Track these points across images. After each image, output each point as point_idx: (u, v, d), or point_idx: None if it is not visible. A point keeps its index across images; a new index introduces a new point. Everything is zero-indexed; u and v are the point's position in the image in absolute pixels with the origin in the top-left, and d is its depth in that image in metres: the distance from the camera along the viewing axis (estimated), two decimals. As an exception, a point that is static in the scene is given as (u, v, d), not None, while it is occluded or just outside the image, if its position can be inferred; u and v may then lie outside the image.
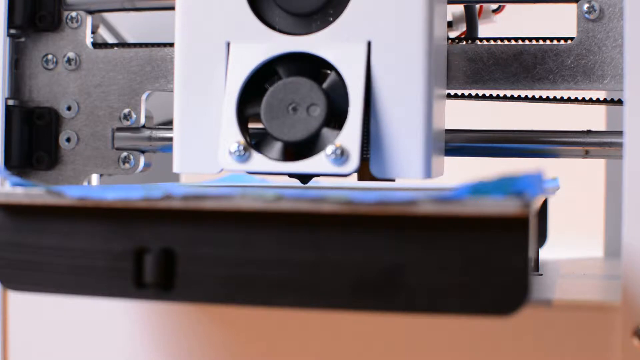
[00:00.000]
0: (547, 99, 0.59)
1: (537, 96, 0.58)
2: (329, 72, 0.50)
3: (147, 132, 0.61)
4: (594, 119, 0.70)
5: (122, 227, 0.42)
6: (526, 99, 0.58)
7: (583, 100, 0.59)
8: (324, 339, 0.49)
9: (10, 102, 0.61)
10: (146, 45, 0.61)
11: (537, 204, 0.46)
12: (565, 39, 0.56)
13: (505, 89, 0.57)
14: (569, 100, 0.59)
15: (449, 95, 0.57)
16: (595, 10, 0.55)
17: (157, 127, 0.62)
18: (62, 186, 0.47)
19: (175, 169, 0.52)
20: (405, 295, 0.39)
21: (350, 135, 0.48)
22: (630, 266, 0.47)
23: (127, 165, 0.62)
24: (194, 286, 0.41)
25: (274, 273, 0.40)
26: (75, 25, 0.62)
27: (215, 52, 0.51)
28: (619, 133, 0.54)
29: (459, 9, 0.60)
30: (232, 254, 0.41)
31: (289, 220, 0.40)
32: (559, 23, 0.59)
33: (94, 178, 0.63)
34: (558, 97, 0.59)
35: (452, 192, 0.38)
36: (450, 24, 0.60)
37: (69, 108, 0.62)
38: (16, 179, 0.44)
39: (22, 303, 0.54)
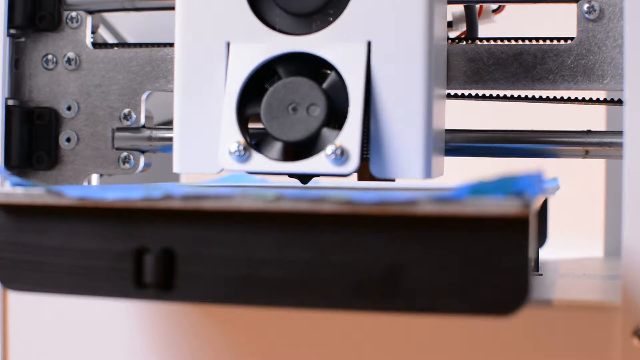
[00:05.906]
0: (547, 99, 0.59)
1: (537, 96, 0.58)
2: (329, 72, 0.50)
3: (147, 132, 0.61)
4: (594, 119, 0.70)
5: (122, 227, 0.42)
6: (526, 99, 0.58)
7: (583, 100, 0.59)
8: (324, 339, 0.49)
9: (10, 102, 0.61)
10: (146, 45, 0.61)
11: (537, 204, 0.46)
12: (565, 39, 0.56)
13: (505, 89, 0.57)
14: (569, 100, 0.59)
15: (449, 95, 0.57)
16: (595, 10, 0.55)
17: (157, 127, 0.62)
18: (62, 186, 0.47)
19: (175, 169, 0.52)
20: (405, 295, 0.39)
21: (350, 135, 0.48)
22: (630, 266, 0.47)
23: (127, 165, 0.62)
24: (194, 286, 0.41)
25: (274, 273, 0.40)
26: (75, 25, 0.62)
27: (215, 52, 0.51)
28: (619, 133, 0.54)
29: (459, 9, 0.60)
30: (232, 254, 0.41)
31: (289, 220, 0.40)
32: (559, 23, 0.59)
33: (94, 178, 0.63)
34: (558, 97, 0.59)
35: (452, 192, 0.38)
36: (450, 24, 0.60)
37: (69, 108, 0.62)
38: (16, 179, 0.44)
39: (22, 303, 0.54)
